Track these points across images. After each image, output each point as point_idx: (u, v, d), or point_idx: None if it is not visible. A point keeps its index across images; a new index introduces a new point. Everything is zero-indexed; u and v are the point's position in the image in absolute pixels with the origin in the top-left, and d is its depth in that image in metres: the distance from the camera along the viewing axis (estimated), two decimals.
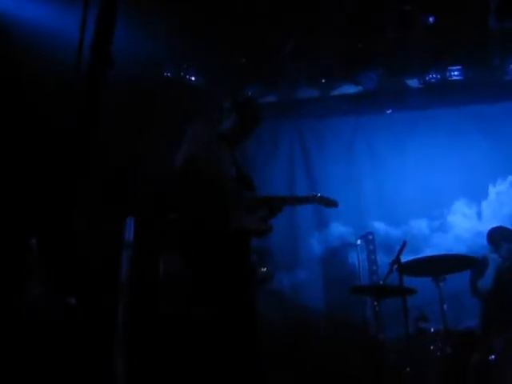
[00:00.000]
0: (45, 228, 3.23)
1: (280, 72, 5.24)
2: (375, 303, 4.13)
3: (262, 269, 5.15)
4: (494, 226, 4.57)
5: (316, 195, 3.47)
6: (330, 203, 3.49)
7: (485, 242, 4.53)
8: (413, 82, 5.64)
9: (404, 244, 3.91)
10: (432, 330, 3.81)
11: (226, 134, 3.08)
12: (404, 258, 3.84)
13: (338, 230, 5.61)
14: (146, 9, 4.06)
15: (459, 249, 5.02)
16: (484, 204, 5.43)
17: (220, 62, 5.15)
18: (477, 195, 5.45)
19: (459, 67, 5.31)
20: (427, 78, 5.45)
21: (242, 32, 4.80)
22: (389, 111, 5.88)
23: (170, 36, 4.64)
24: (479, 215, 5.42)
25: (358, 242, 5.36)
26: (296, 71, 5.39)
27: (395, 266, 3.81)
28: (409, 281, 3.94)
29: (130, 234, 4.40)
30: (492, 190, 5.44)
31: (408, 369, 3.58)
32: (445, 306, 3.71)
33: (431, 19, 5.08)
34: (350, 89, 5.73)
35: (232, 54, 5.12)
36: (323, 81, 5.63)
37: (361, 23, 4.87)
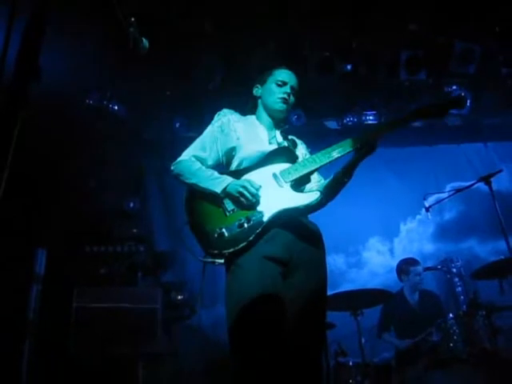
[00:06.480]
0: None
1: (205, 106, 5.26)
2: None
3: (179, 296, 5.07)
4: None
5: None
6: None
7: (397, 276, 4.76)
8: (331, 124, 5.91)
9: None
10: (351, 363, 3.87)
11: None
12: None
13: None
14: (71, 33, 3.95)
15: (374, 284, 5.23)
16: (396, 241, 5.75)
17: (145, 93, 5.09)
18: (389, 233, 5.75)
19: (374, 112, 5.68)
20: (344, 121, 5.75)
21: (170, 64, 4.80)
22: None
23: (96, 63, 4.52)
24: (391, 252, 5.71)
25: None
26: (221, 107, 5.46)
27: None
28: (328, 315, 3.99)
29: (40, 266, 4.11)
30: (403, 228, 5.78)
31: None
32: (363, 340, 3.79)
33: (349, 67, 5.45)
34: None
35: (158, 86, 5.08)
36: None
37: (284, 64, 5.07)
